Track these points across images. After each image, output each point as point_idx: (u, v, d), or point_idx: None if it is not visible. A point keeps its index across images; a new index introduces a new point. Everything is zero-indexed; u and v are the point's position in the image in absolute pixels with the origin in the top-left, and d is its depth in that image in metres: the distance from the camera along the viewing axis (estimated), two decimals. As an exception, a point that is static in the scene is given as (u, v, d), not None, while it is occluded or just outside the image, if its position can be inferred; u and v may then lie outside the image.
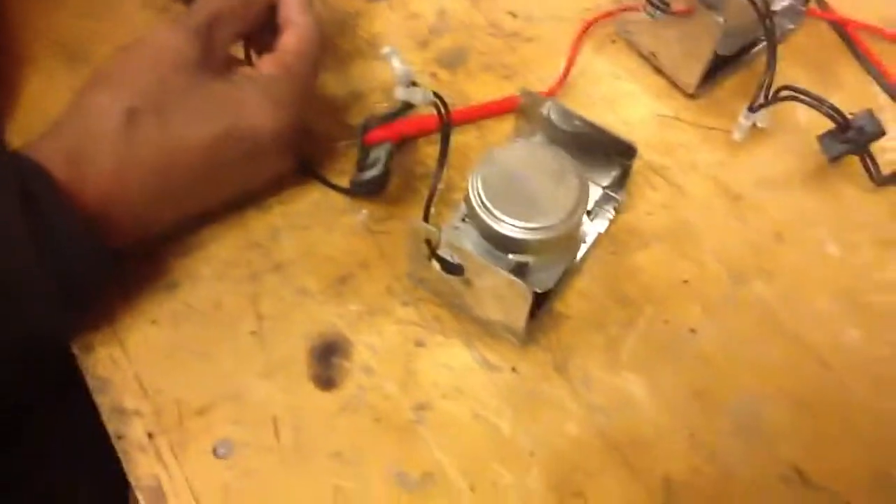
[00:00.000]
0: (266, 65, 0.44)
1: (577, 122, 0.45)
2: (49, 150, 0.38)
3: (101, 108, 0.40)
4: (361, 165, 0.46)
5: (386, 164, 0.45)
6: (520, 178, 0.42)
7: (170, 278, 0.44)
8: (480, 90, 0.53)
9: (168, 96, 0.41)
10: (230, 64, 0.45)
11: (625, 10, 0.55)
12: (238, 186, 0.45)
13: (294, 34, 0.45)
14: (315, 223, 0.47)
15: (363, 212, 0.48)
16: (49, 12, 0.55)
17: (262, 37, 0.46)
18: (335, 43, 0.55)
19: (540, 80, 0.54)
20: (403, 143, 0.50)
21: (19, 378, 0.40)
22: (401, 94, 0.43)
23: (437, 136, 0.50)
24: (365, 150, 0.46)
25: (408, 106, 0.45)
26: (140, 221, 0.42)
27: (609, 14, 0.56)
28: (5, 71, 0.52)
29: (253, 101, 0.42)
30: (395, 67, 0.43)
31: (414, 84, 0.44)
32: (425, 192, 0.47)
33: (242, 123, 0.42)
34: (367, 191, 0.46)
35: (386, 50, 0.43)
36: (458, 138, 0.51)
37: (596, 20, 0.56)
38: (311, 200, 0.48)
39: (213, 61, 0.43)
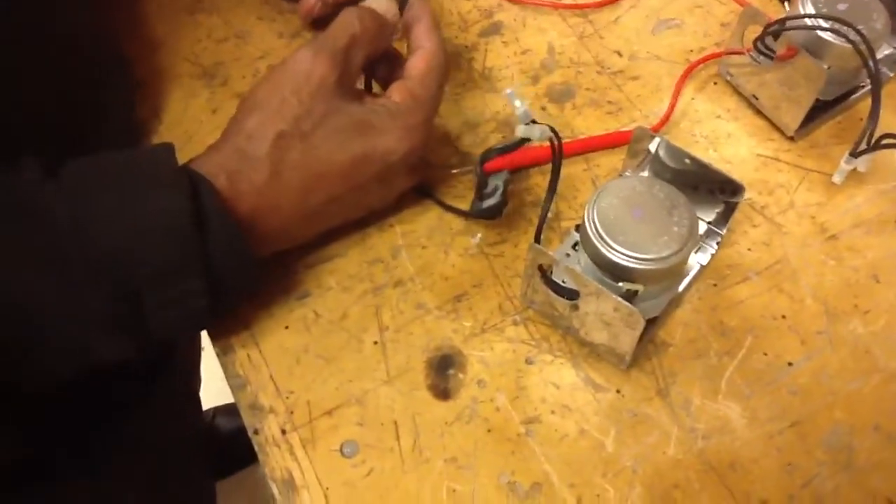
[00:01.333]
0: (396, 93, 0.48)
1: (686, 161, 0.48)
2: (212, 166, 0.43)
3: (253, 133, 0.44)
4: (480, 193, 0.49)
5: (503, 193, 0.48)
6: (634, 210, 0.45)
7: (301, 288, 0.48)
8: (586, 124, 0.56)
9: (311, 121, 0.45)
10: (360, 90, 0.49)
11: (728, 53, 0.57)
12: (369, 205, 0.49)
13: (422, 59, 0.48)
14: (432, 243, 0.51)
15: (477, 235, 0.51)
16: (193, 36, 0.60)
17: (379, 63, 0.50)
18: (451, 74, 0.59)
19: (644, 116, 0.57)
20: (516, 172, 0.53)
21: (142, 365, 0.44)
22: (521, 131, 0.47)
23: (547, 166, 0.53)
24: (484, 178, 0.49)
25: (524, 140, 0.49)
26: (282, 235, 0.46)
27: (712, 56, 0.59)
28: (152, 88, 0.57)
29: (386, 126, 0.46)
30: (516, 107, 0.47)
31: (533, 122, 0.47)
32: (535, 219, 0.51)
33: (378, 147, 0.46)
34: (485, 216, 0.49)
35: (507, 91, 0.47)
36: (567, 169, 0.54)
37: (700, 62, 0.58)
38: (429, 222, 0.51)
39: (349, 84, 0.47)
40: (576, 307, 0.45)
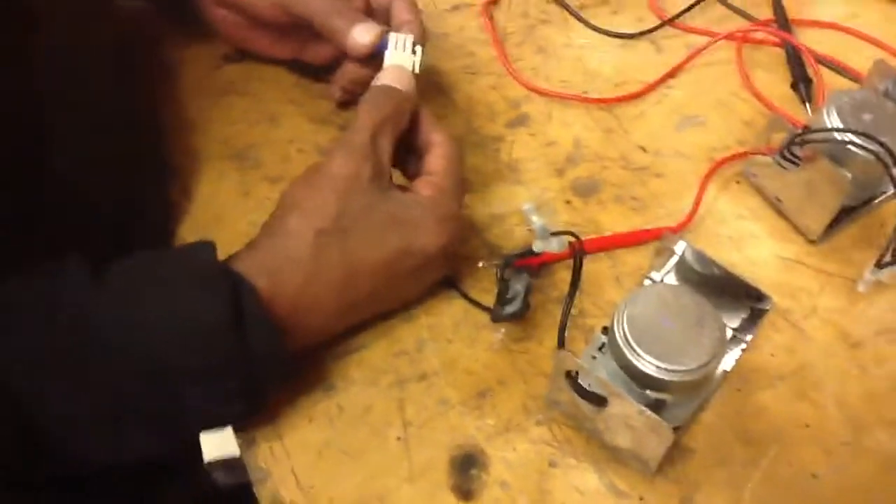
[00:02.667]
0: (423, 187, 0.49)
1: (715, 269, 0.48)
2: (253, 265, 0.43)
3: (293, 232, 0.45)
4: (502, 298, 0.49)
5: (525, 300, 0.48)
6: (663, 319, 0.45)
7: (327, 381, 0.48)
8: (611, 220, 0.57)
9: (348, 219, 0.45)
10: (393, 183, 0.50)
11: (752, 153, 0.58)
12: (403, 299, 0.50)
13: (438, 154, 0.50)
14: (457, 338, 0.51)
15: (501, 331, 0.51)
16: (225, 118, 0.61)
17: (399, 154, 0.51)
18: (479, 166, 0.60)
19: (668, 214, 0.58)
20: (539, 268, 0.54)
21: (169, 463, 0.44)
22: (538, 246, 0.48)
23: (569, 262, 0.54)
24: (505, 284, 0.49)
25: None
26: (319, 332, 0.46)
27: (736, 156, 0.60)
28: (183, 169, 0.58)
29: (421, 221, 0.47)
30: (533, 222, 0.47)
31: (552, 234, 0.48)
32: (559, 315, 0.51)
33: (415, 242, 0.47)
34: (507, 321, 0.49)
35: (525, 207, 0.48)
36: (591, 266, 0.54)
37: (724, 161, 0.59)
38: (455, 315, 0.52)
39: (383, 175, 0.48)
40: (602, 412, 0.45)
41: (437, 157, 0.50)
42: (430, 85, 0.65)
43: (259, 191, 0.57)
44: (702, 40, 0.68)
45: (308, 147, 0.60)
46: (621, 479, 0.46)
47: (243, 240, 0.46)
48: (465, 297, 0.52)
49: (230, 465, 0.42)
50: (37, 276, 0.40)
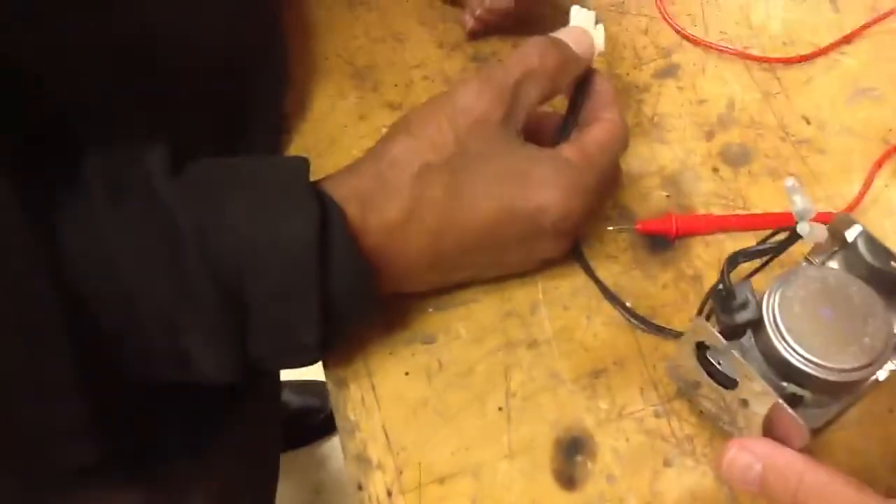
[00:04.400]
0: (568, 149, 0.43)
1: (893, 263, 0.42)
2: (346, 190, 0.39)
3: (398, 159, 0.40)
4: (728, 305, 0.40)
5: (758, 305, 0.40)
6: (822, 308, 0.39)
7: (428, 331, 0.44)
8: (760, 196, 0.50)
9: (463, 159, 0.40)
10: (529, 133, 0.44)
11: (937, 140, 0.50)
12: (505, 267, 0.45)
13: (603, 128, 0.43)
14: (575, 305, 0.46)
15: (627, 304, 0.46)
16: (349, 32, 0.57)
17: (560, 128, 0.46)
18: (619, 116, 0.54)
19: (827, 197, 0.51)
20: (674, 241, 0.48)
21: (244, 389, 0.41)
22: (804, 229, 0.40)
23: (709, 238, 0.48)
24: (731, 288, 0.40)
25: (791, 240, 0.41)
26: (404, 278, 0.42)
27: (917, 141, 0.52)
28: (300, 81, 0.54)
29: (546, 180, 0.41)
30: (794, 202, 0.40)
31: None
32: (692, 295, 0.45)
33: (530, 201, 0.41)
34: (740, 336, 0.41)
35: (788, 184, 0.40)
36: (733, 245, 0.48)
37: (902, 146, 0.52)
38: (574, 280, 0.47)
39: (514, 122, 0.42)
40: (726, 394, 0.39)
41: (599, 130, 0.43)
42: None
43: (377, 116, 0.53)
44: (890, 2, 0.59)
45: (434, 74, 0.55)
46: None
47: (355, 169, 0.42)
48: (591, 274, 0.46)
49: (301, 386, 0.39)
50: (112, 160, 0.36)
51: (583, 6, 0.47)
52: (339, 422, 0.42)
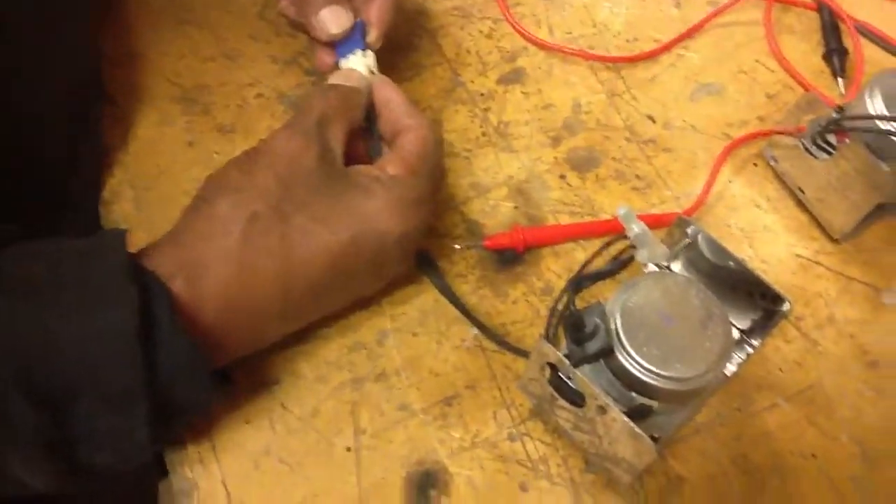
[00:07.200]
0: (390, 165, 0.41)
1: (730, 262, 0.42)
2: (171, 265, 0.35)
3: (223, 216, 0.37)
4: (577, 335, 0.39)
5: (607, 333, 0.39)
6: (664, 315, 0.38)
7: (269, 374, 0.42)
8: (609, 200, 0.50)
9: (291, 203, 0.38)
10: (350, 163, 0.42)
11: (776, 132, 0.51)
12: (357, 293, 0.43)
13: (414, 136, 0.42)
14: (424, 332, 0.44)
15: (475, 328, 0.44)
16: (176, 52, 0.53)
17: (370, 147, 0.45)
18: (463, 128, 0.52)
19: (675, 197, 0.51)
20: (524, 253, 0.47)
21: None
22: (643, 256, 0.40)
23: (558, 248, 0.47)
24: (579, 316, 0.39)
25: (623, 265, 0.41)
26: (254, 338, 0.39)
27: (756, 135, 0.52)
28: (124, 108, 0.50)
29: (380, 204, 0.40)
30: (632, 230, 0.39)
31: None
32: (545, 310, 0.45)
33: (369, 229, 0.39)
34: (591, 363, 0.40)
35: (620, 212, 0.40)
36: (582, 253, 0.47)
37: (742, 140, 0.52)
38: (423, 305, 0.45)
39: (331, 157, 0.41)
40: (577, 411, 0.39)
41: (409, 139, 0.43)
42: (415, 27, 0.56)
43: (207, 141, 0.50)
44: (727, -4, 0.60)
45: (268, 92, 0.52)
46: (600, 509, 0.40)
47: (184, 200, 0.39)
48: (439, 286, 0.45)
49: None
50: None
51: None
52: (174, 482, 0.39)
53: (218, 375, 0.37)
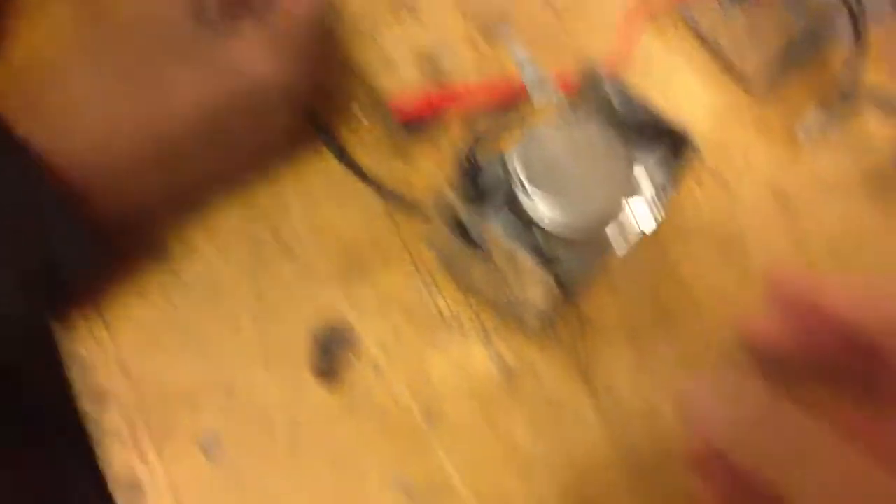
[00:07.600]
0: (270, 16, 0.39)
1: (637, 110, 0.40)
2: (33, 123, 0.33)
3: (84, 78, 0.35)
4: (472, 191, 0.38)
5: (508, 179, 0.37)
6: (563, 159, 0.37)
7: (162, 245, 0.40)
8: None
9: (159, 57, 0.36)
10: (225, 13, 0.39)
11: (688, -11, 0.50)
12: (245, 154, 0.40)
13: None
14: (328, 197, 0.43)
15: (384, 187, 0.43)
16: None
17: None
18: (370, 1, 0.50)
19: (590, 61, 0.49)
20: (431, 119, 0.46)
21: None
22: (538, 101, 0.39)
23: (469, 119, 0.46)
24: (475, 165, 0.38)
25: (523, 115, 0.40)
26: (132, 193, 0.37)
27: (670, -6, 0.51)
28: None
29: (256, 50, 0.37)
30: (526, 73, 0.38)
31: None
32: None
33: (246, 78, 0.37)
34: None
35: (519, 56, 0.38)
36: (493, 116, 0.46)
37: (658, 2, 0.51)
38: (328, 172, 0.43)
39: (205, 12, 0.38)
40: (488, 260, 0.38)
41: None
42: None
43: None
44: None
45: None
46: (513, 353, 0.39)
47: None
48: (340, 156, 0.43)
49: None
50: None
51: None
52: (65, 360, 0.37)
53: (101, 238, 0.35)
